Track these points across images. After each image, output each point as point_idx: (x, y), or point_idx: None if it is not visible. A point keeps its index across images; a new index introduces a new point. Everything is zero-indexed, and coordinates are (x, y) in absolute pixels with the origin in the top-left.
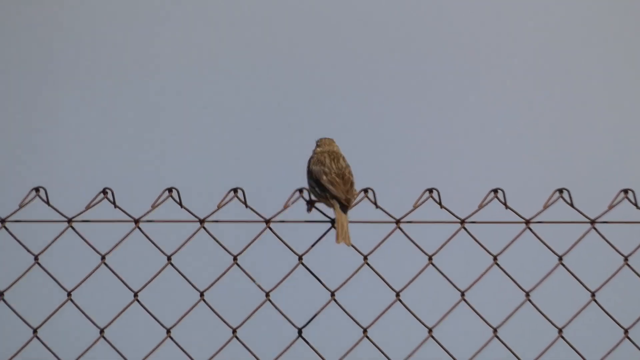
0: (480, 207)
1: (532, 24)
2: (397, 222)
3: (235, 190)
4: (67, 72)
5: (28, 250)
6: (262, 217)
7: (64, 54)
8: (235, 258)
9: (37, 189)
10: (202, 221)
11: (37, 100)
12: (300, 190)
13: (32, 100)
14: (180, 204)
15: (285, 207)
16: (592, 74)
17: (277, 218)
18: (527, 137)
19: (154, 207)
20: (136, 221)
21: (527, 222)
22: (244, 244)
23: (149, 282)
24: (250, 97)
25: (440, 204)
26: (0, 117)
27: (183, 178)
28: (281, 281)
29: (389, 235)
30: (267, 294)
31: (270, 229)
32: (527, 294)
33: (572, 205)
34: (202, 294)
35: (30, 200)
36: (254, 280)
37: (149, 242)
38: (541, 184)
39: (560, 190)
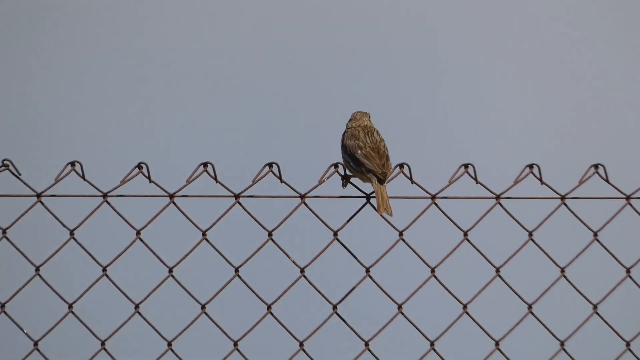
0: (516, 182)
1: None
2: (433, 197)
3: (270, 165)
4: (91, 50)
5: (64, 225)
6: (297, 192)
7: (97, 33)
8: (270, 234)
9: (72, 163)
10: (237, 196)
11: (69, 77)
12: (336, 165)
13: (66, 77)
14: (215, 178)
15: (320, 182)
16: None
17: (312, 193)
18: (499, 111)
19: (189, 181)
20: (171, 196)
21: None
22: (279, 220)
23: (184, 257)
24: (280, 71)
25: (475, 179)
26: (36, 92)
27: (217, 153)
28: (316, 257)
29: (425, 210)
30: (302, 270)
31: (306, 204)
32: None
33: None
34: (237, 270)
35: (66, 175)
36: (289, 256)
37: (184, 217)
38: (512, 159)
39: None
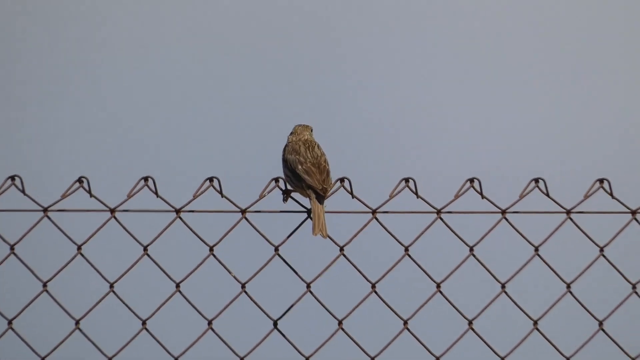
0: (457, 197)
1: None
2: (374, 212)
3: (211, 179)
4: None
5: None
6: (238, 207)
7: (53, 42)
8: (211, 249)
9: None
10: (178, 211)
11: (12, 90)
12: (276, 180)
13: (8, 89)
14: (156, 193)
15: (261, 196)
16: (580, 64)
17: (253, 208)
18: (504, 125)
19: (129, 196)
20: (112, 210)
21: (504, 212)
22: (220, 234)
23: (125, 273)
24: (223, 85)
25: (416, 193)
26: (40, 108)
27: (159, 167)
28: (257, 272)
29: (366, 225)
30: (243, 285)
31: (246, 219)
32: (503, 285)
33: (547, 195)
34: (178, 285)
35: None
36: (230, 272)
37: (125, 232)
38: (518, 173)
39: (537, 180)
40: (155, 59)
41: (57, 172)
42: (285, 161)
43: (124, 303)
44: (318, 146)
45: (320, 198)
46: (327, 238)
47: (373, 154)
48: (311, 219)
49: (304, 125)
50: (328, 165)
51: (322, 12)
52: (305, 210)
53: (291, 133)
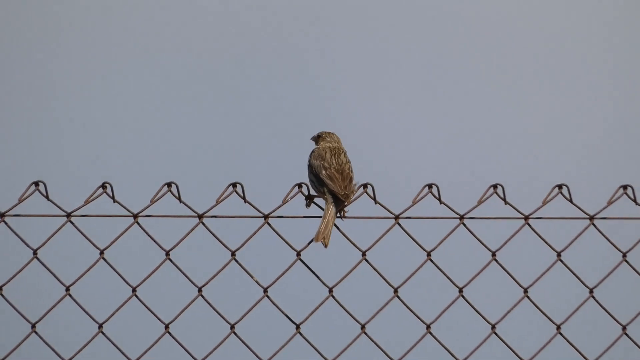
0: (480, 202)
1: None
2: (396, 217)
3: (234, 185)
4: (62, 62)
5: (27, 245)
6: (260, 212)
7: (62, 47)
8: (233, 253)
9: (36, 183)
10: (200, 216)
11: (35, 95)
12: (300, 185)
13: (31, 95)
14: (179, 198)
15: (284, 202)
16: (585, 69)
17: (276, 213)
18: (527, 131)
19: (152, 201)
20: (135, 216)
21: (527, 217)
22: (243, 239)
23: (148, 277)
24: (247, 90)
25: (439, 199)
26: (51, 115)
27: (182, 173)
28: (279, 277)
29: (388, 230)
30: (265, 290)
31: (269, 224)
32: (526, 290)
33: (571, 201)
34: (200, 290)
35: (29, 195)
36: (252, 276)
37: (148, 237)
38: (541, 179)
39: (560, 186)
40: (161, 63)
41: (79, 178)
42: (310, 166)
43: (146, 307)
44: (345, 154)
45: (339, 205)
46: (327, 247)
47: (396, 160)
48: (335, 225)
49: (331, 132)
50: (352, 172)
51: (325, 12)
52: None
53: (319, 138)
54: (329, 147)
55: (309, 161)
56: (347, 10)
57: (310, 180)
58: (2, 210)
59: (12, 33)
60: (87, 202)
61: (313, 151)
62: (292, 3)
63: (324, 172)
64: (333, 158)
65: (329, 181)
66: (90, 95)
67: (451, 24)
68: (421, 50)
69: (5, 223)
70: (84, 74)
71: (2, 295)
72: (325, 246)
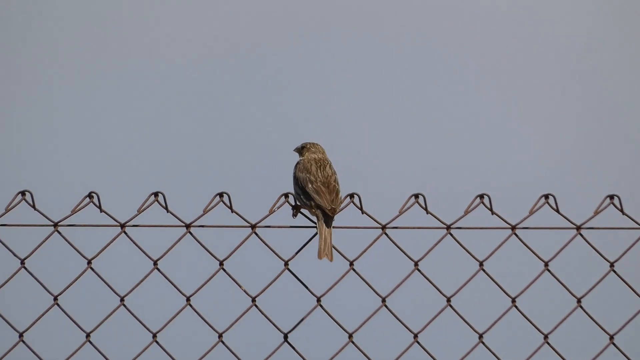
0: (467, 212)
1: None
2: (383, 227)
3: (221, 194)
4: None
5: (15, 255)
6: (247, 222)
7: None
8: (221, 263)
9: (23, 193)
10: (188, 226)
11: (20, 103)
12: (286, 195)
13: (16, 103)
14: (166, 208)
15: (271, 212)
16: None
17: (263, 223)
18: (514, 141)
19: (140, 211)
20: (122, 225)
21: (514, 227)
22: (230, 249)
23: (136, 287)
24: (233, 100)
25: (426, 209)
26: (52, 124)
27: (169, 182)
28: (267, 286)
29: (375, 240)
30: (254, 299)
31: (256, 234)
32: (514, 300)
33: (557, 211)
34: (188, 299)
35: (16, 204)
36: (240, 286)
37: (135, 246)
38: (527, 189)
39: (546, 196)
40: (147, 73)
41: (65, 187)
42: (296, 179)
43: (134, 316)
44: (330, 165)
45: (329, 219)
46: (332, 262)
47: (383, 170)
48: (318, 241)
49: (316, 143)
50: (338, 185)
51: (309, 23)
52: (315, 225)
53: (302, 148)
54: (314, 158)
55: (295, 173)
56: (330, 20)
57: (296, 193)
58: None
59: None
60: (73, 211)
61: (298, 163)
62: (276, 14)
63: (310, 185)
64: (319, 171)
65: (315, 195)
66: (77, 104)
67: (436, 33)
68: (407, 60)
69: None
70: (71, 83)
71: None
72: (330, 260)
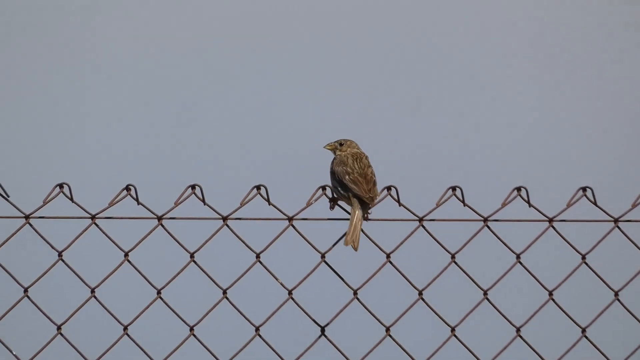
0: (504, 205)
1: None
2: (420, 220)
3: (258, 187)
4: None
5: (52, 247)
6: (285, 214)
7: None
8: (258, 256)
9: (61, 185)
10: (225, 218)
11: (57, 96)
12: (323, 188)
13: (53, 96)
14: (203, 200)
15: (308, 204)
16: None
17: (300, 216)
18: (551, 133)
19: (177, 204)
20: (159, 218)
21: (551, 220)
22: (267, 242)
23: (173, 279)
24: (262, 95)
25: (463, 202)
26: (23, 114)
27: (205, 175)
28: (304, 279)
29: (412, 233)
30: (290, 292)
31: (293, 226)
32: (551, 293)
33: (595, 203)
34: (225, 292)
35: (54, 197)
36: (276, 279)
37: (172, 239)
38: (564, 182)
39: (584, 189)
40: (125, 63)
41: (38, 178)
42: (333, 173)
43: (105, 309)
44: (366, 158)
45: (365, 207)
46: (357, 250)
47: (420, 163)
48: (347, 227)
49: (351, 139)
50: (375, 176)
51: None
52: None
53: (340, 145)
54: (350, 152)
55: (332, 168)
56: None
57: (334, 187)
58: (27, 212)
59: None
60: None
61: (334, 158)
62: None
63: (347, 177)
64: (355, 163)
65: (352, 185)
66: (52, 94)
67: (456, 23)
68: (437, 52)
69: (30, 225)
70: (49, 74)
71: (28, 297)
72: (355, 249)
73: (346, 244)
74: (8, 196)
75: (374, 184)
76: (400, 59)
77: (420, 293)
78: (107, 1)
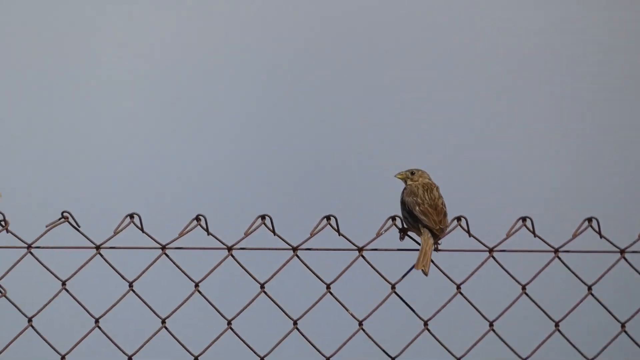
0: (574, 236)
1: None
2: (491, 250)
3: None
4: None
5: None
6: (355, 245)
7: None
8: (328, 286)
9: (131, 215)
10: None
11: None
12: (393, 218)
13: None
14: (273, 231)
15: (378, 234)
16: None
17: (371, 246)
18: (556, 163)
19: (247, 234)
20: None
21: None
22: (336, 273)
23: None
24: (344, 122)
25: (533, 232)
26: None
27: (209, 205)
28: (375, 310)
29: (483, 264)
30: (361, 323)
31: (363, 257)
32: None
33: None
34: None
35: (125, 227)
36: (347, 309)
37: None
38: (571, 212)
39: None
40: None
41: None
42: (403, 203)
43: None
44: (437, 189)
45: (435, 238)
46: (427, 276)
47: (489, 193)
48: (418, 255)
49: (422, 169)
50: (445, 207)
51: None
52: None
53: (410, 173)
54: (421, 183)
55: (402, 198)
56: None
57: (404, 217)
58: (98, 243)
59: None
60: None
61: (405, 188)
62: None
63: (417, 208)
64: (426, 194)
65: (422, 217)
66: (61, 119)
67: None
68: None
69: (101, 255)
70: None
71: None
72: (426, 274)
73: (417, 268)
74: (79, 226)
75: (445, 215)
76: (463, 92)
77: (491, 324)
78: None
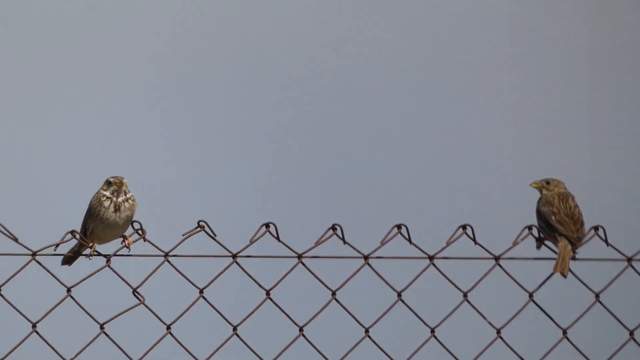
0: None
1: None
2: (629, 260)
3: (267, 225)
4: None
5: (260, 285)
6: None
7: None
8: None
9: (267, 225)
10: (234, 256)
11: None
12: (529, 228)
13: None
14: (213, 237)
15: (515, 243)
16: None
17: (507, 255)
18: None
19: (252, 242)
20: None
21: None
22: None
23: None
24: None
25: (606, 241)
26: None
27: (215, 212)
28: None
29: (620, 274)
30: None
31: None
32: (565, 332)
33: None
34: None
35: (261, 236)
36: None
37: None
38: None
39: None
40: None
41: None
42: (539, 212)
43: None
44: (573, 198)
45: (572, 246)
46: (566, 278)
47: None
48: (556, 258)
49: (557, 179)
50: (582, 216)
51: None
52: (554, 257)
53: (546, 183)
54: (557, 192)
55: (538, 207)
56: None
57: (540, 226)
58: (234, 252)
59: None
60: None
61: (540, 198)
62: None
63: (553, 217)
64: (561, 203)
65: (559, 226)
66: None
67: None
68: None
69: (237, 264)
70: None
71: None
72: (565, 276)
73: (555, 270)
74: (215, 236)
75: (582, 224)
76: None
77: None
78: None
